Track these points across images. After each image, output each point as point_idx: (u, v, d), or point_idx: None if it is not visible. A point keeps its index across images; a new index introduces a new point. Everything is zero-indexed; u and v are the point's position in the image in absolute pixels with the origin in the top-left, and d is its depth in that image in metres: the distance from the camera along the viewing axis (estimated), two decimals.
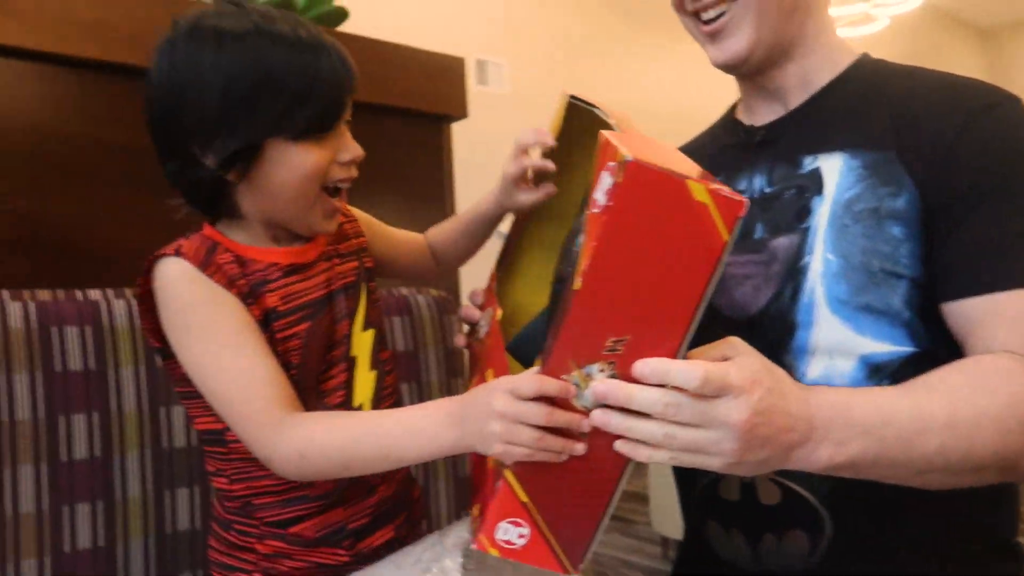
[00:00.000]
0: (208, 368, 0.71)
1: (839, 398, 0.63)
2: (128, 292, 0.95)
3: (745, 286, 0.80)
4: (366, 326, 0.84)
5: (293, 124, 0.70)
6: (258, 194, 0.74)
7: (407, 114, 1.39)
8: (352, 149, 0.75)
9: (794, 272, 0.77)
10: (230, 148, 0.69)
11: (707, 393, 0.54)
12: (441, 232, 0.97)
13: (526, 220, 0.90)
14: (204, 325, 0.71)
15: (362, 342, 0.83)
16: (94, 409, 0.88)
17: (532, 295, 0.90)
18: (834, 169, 0.78)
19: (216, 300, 0.71)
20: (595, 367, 0.56)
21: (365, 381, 0.83)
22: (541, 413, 0.57)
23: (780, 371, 0.60)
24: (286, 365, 0.74)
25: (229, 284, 0.72)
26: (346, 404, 0.80)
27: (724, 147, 0.91)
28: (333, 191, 0.77)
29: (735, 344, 0.60)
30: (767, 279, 0.79)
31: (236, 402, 0.70)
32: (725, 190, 0.52)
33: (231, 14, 0.71)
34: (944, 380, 0.66)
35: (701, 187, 0.51)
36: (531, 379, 0.58)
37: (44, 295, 0.90)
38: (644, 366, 0.55)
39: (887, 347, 0.72)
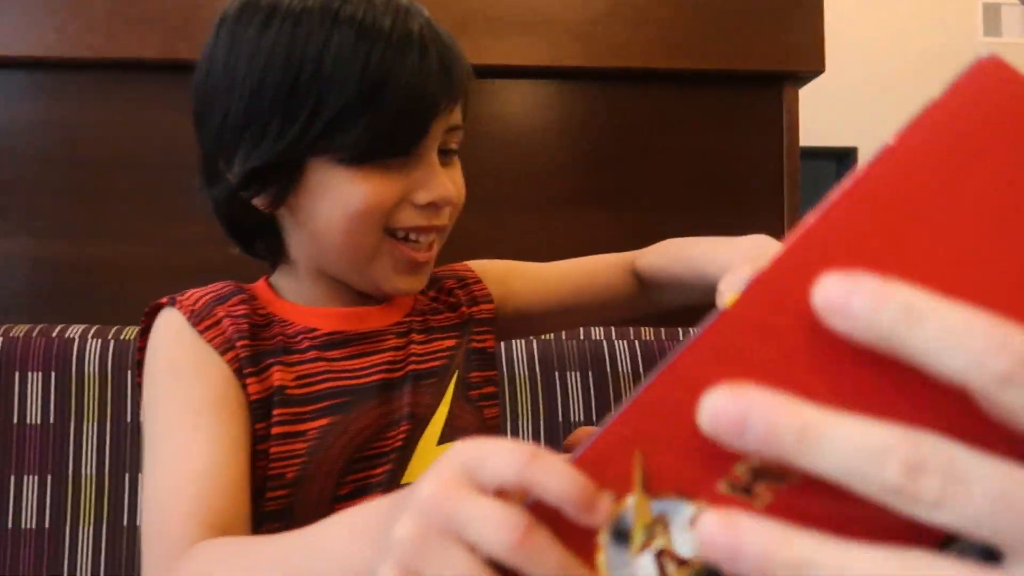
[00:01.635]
0: (149, 452, 0.50)
1: None
2: (112, 331, 0.81)
3: None
4: (447, 437, 0.56)
5: (343, 142, 0.49)
6: (302, 233, 0.55)
7: (724, 78, 0.96)
8: (436, 188, 0.52)
9: None
10: (251, 163, 0.51)
11: None
12: (663, 265, 0.64)
13: None
14: (167, 392, 0.51)
15: (430, 462, 0.52)
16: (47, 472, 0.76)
17: None
18: None
19: (195, 362, 0.52)
20: (689, 509, 0.23)
21: None
22: (509, 524, 0.24)
23: None
24: (273, 479, 0.51)
25: (224, 346, 0.52)
26: None
27: None
28: (407, 237, 0.54)
29: None
30: None
31: (153, 505, 0.48)
32: None
33: None
34: None
35: None
36: (515, 451, 0.25)
37: (19, 330, 0.79)
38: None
39: None
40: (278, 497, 0.51)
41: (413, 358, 0.57)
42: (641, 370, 0.83)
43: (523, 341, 0.83)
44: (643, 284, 0.66)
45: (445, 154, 0.54)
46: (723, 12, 0.95)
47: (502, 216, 0.97)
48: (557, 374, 0.82)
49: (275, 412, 0.51)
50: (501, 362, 0.82)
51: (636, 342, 0.85)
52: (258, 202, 0.53)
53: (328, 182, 0.50)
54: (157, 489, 0.48)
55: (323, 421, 0.52)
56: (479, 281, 0.65)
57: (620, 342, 0.85)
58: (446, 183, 0.53)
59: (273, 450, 0.51)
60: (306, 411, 0.52)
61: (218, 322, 0.53)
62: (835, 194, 0.21)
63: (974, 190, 0.22)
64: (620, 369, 0.83)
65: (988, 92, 0.22)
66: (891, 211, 0.22)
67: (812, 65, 0.96)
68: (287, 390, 0.52)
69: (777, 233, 0.97)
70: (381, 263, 0.54)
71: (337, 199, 0.51)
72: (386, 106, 0.48)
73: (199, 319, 0.53)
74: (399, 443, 0.54)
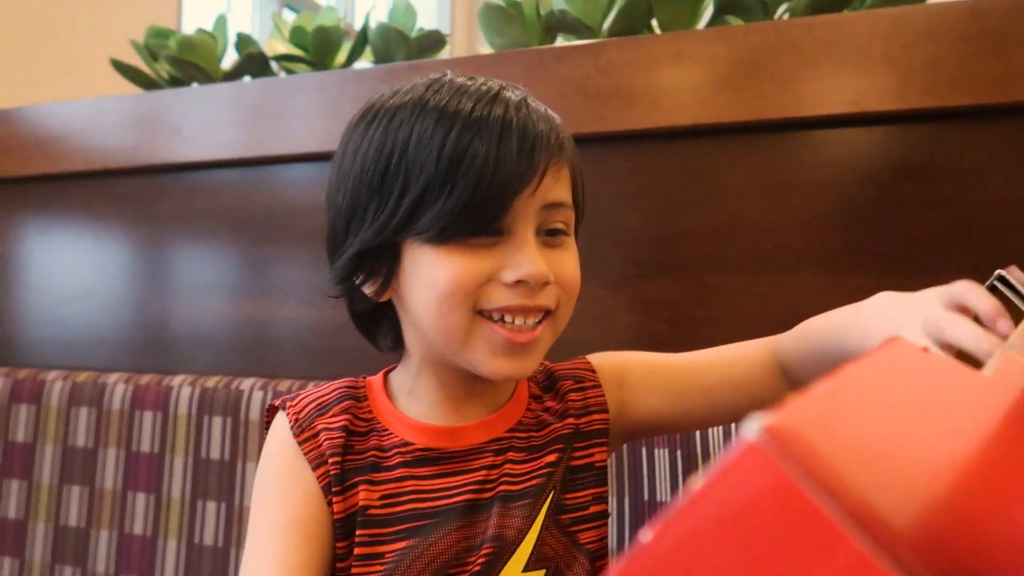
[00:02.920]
0: (245, 547, 0.55)
1: None
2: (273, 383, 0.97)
3: None
4: (532, 565, 0.55)
5: (427, 221, 0.50)
6: (407, 319, 0.57)
7: (984, 112, 0.82)
8: (525, 265, 0.51)
9: None
10: (354, 248, 0.54)
11: None
12: (807, 347, 0.57)
13: None
14: (262, 503, 0.55)
15: None
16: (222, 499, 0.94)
17: None
18: None
19: (289, 477, 0.55)
20: None
21: None
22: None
23: None
24: None
25: (317, 461, 0.55)
26: None
27: None
28: (502, 319, 0.53)
29: None
30: None
31: None
32: None
33: (411, 89, 0.55)
34: None
35: None
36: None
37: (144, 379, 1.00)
38: None
39: None
40: None
41: (506, 478, 0.56)
42: None
43: None
44: (784, 372, 0.59)
45: (551, 234, 0.54)
46: (985, 35, 0.81)
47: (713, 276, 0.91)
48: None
49: (357, 532, 0.53)
50: None
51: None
52: (367, 289, 0.56)
53: (419, 262, 0.52)
54: None
55: (401, 544, 0.53)
56: (598, 386, 0.62)
57: None
58: (536, 260, 0.51)
59: (353, 571, 0.53)
60: (386, 533, 0.53)
61: (316, 435, 0.56)
62: None
63: None
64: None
65: (752, 485, 0.19)
66: None
67: None
68: (370, 510, 0.54)
69: None
70: (476, 346, 0.53)
71: (427, 278, 0.52)
72: (463, 184, 0.49)
73: (300, 429, 0.56)
74: (478, 568, 0.53)
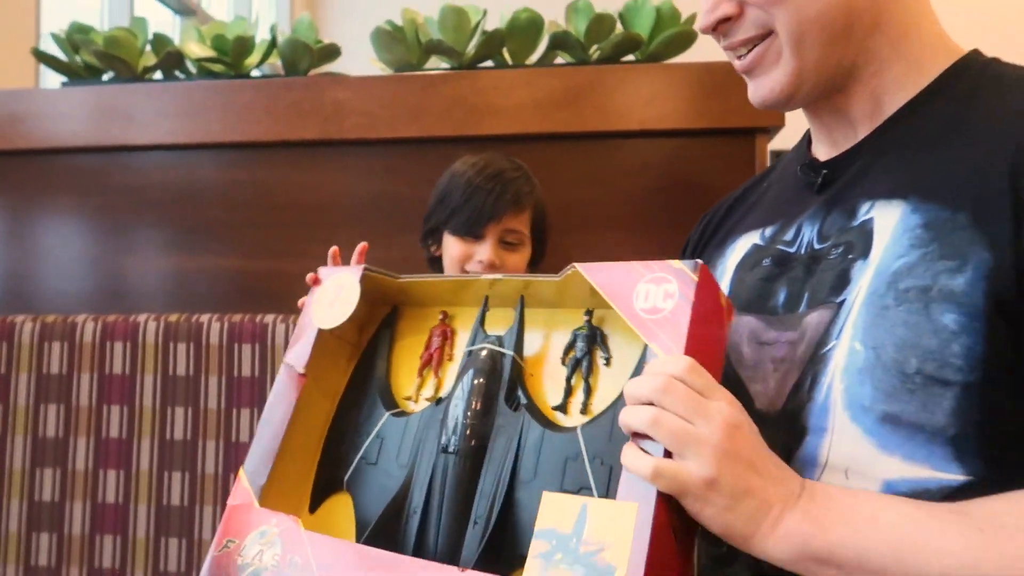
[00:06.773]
0: None
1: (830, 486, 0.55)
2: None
3: (778, 373, 0.62)
4: None
5: (450, 224, 1.14)
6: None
7: (703, 133, 1.35)
8: (484, 255, 1.12)
9: (815, 360, 0.59)
10: (425, 228, 1.19)
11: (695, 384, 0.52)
12: None
13: None
14: None
15: None
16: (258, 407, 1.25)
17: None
18: (887, 225, 0.58)
19: None
20: None
21: None
22: None
23: None
24: None
25: None
26: None
27: (792, 186, 0.72)
28: None
29: None
30: (792, 366, 0.61)
31: None
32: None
33: (467, 163, 1.17)
34: (984, 506, 0.50)
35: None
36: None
37: (236, 316, 1.29)
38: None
39: (924, 472, 0.53)
40: None
41: None
42: None
43: None
44: None
45: (506, 244, 1.13)
46: (713, 83, 1.33)
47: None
48: None
49: None
50: None
51: None
52: (432, 249, 1.19)
53: (448, 242, 1.15)
54: None
55: None
56: None
57: None
58: (491, 255, 1.11)
59: None
60: None
61: None
62: None
63: None
64: None
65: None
66: None
67: (774, 120, 1.34)
68: None
69: None
70: None
71: (448, 251, 1.15)
72: (463, 214, 1.11)
73: None
74: None
